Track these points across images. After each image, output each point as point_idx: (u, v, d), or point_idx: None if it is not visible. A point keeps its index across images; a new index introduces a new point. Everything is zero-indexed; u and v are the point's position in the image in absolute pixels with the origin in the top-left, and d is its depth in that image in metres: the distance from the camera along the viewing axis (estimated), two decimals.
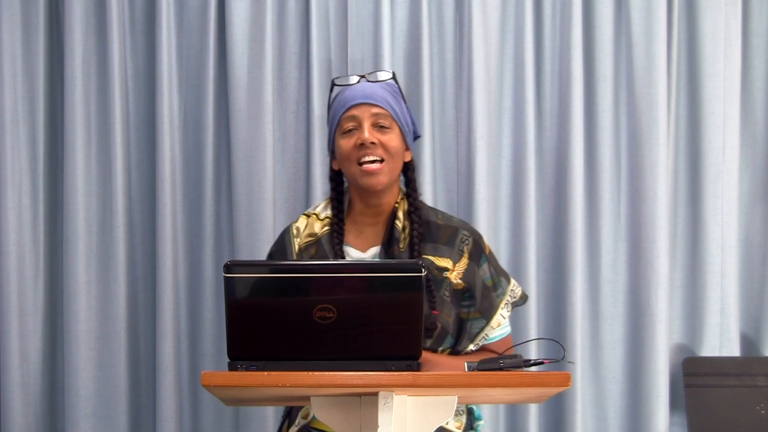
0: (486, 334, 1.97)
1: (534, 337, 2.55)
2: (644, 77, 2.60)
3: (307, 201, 2.57)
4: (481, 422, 2.03)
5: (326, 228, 1.99)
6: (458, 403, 1.61)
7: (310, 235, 2.00)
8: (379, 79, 2.00)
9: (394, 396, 1.47)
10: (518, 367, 1.49)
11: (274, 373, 1.42)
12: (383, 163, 1.92)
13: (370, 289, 1.47)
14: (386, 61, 2.55)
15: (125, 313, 2.58)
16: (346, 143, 1.94)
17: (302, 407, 1.93)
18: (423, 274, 1.45)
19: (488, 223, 2.56)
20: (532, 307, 2.56)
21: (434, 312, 1.88)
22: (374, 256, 1.97)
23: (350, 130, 1.94)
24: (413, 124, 2.03)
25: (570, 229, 2.57)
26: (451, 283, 1.93)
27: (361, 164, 1.91)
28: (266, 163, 2.56)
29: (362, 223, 2.01)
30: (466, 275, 1.95)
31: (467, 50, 2.58)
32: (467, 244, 1.97)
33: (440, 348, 1.93)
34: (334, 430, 1.56)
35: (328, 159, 2.05)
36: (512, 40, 2.64)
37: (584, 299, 2.61)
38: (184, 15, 2.63)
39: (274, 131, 2.59)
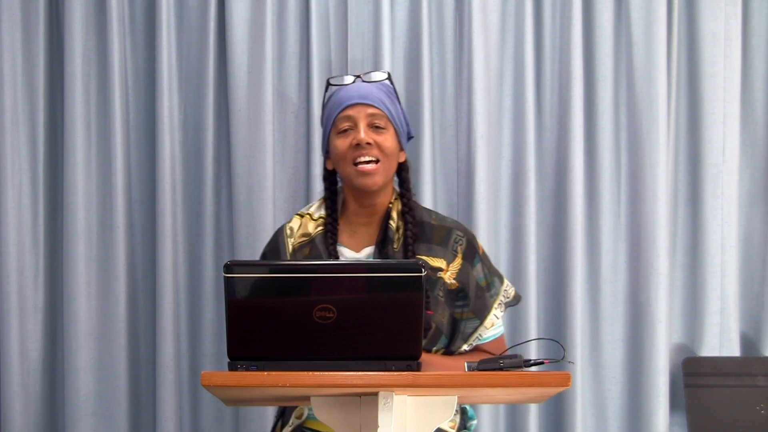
0: (479, 335, 1.98)
1: (534, 337, 2.55)
2: (644, 77, 2.60)
3: (307, 201, 2.57)
4: (474, 422, 2.03)
5: (320, 228, 1.99)
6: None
7: (303, 235, 2.00)
8: (375, 79, 2.00)
9: (394, 396, 1.47)
10: (518, 367, 1.49)
11: (274, 373, 1.42)
12: (378, 164, 1.92)
13: (370, 289, 1.47)
14: (386, 61, 2.55)
15: (125, 313, 2.58)
16: (341, 143, 1.94)
17: (296, 407, 1.93)
18: (423, 274, 1.45)
19: (488, 223, 2.57)
20: (532, 307, 2.56)
21: (428, 312, 1.88)
22: (368, 256, 1.97)
23: (346, 130, 1.94)
24: (407, 124, 2.03)
25: (570, 229, 2.57)
26: (445, 283, 1.94)
27: (356, 164, 1.92)
28: (266, 163, 2.55)
29: (356, 223, 2.01)
30: (460, 275, 1.95)
31: (467, 50, 2.58)
32: (461, 245, 1.98)
33: (434, 348, 1.93)
34: (334, 430, 1.56)
35: None
36: (512, 40, 2.64)
37: (584, 299, 2.61)
38: (184, 15, 2.63)
39: (274, 131, 2.59)
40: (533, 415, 2.55)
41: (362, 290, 1.47)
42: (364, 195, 1.96)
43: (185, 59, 2.63)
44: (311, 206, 2.06)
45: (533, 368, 1.54)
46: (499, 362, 1.50)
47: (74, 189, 2.57)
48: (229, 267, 1.45)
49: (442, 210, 2.58)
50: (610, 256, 2.64)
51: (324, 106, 2.03)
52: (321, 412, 1.53)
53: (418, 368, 1.46)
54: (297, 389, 1.47)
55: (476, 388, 1.53)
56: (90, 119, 2.61)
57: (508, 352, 1.55)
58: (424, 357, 1.57)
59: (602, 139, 2.63)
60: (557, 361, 1.69)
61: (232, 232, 2.58)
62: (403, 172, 2.02)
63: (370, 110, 1.93)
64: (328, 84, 2.03)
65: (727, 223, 2.63)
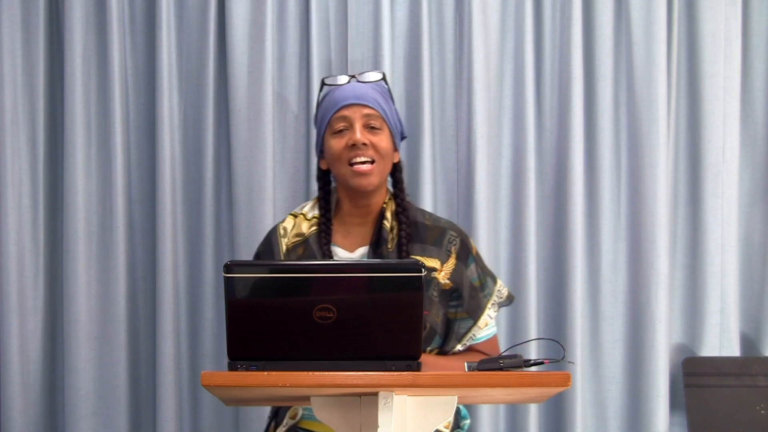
0: (473, 334, 1.98)
1: (534, 337, 2.55)
2: (644, 77, 2.60)
3: (308, 201, 2.57)
4: (468, 421, 2.03)
5: (314, 228, 1.99)
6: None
7: (297, 235, 2.00)
8: (370, 79, 2.00)
9: (394, 396, 1.47)
10: (518, 367, 1.49)
11: (274, 373, 1.42)
12: (374, 164, 1.92)
13: (370, 289, 1.47)
14: (386, 61, 2.55)
15: (125, 313, 2.58)
16: (336, 143, 1.94)
17: (290, 407, 1.93)
18: (423, 274, 1.45)
19: (488, 223, 2.56)
20: (532, 307, 2.56)
21: (423, 312, 1.88)
22: (362, 256, 1.97)
23: (341, 131, 1.94)
24: (401, 124, 2.03)
25: (570, 229, 2.57)
26: (439, 283, 1.94)
27: (351, 165, 1.92)
28: (266, 163, 2.55)
29: (350, 224, 2.01)
30: (454, 275, 1.96)
31: (467, 50, 2.58)
32: (455, 245, 1.98)
33: (428, 348, 1.94)
34: (329, 429, 1.56)
35: None
36: (512, 40, 2.64)
37: (584, 299, 2.61)
38: (184, 15, 2.63)
39: (274, 131, 2.59)
40: (533, 415, 2.55)
41: (362, 290, 1.47)
42: (359, 195, 1.96)
43: (185, 59, 2.63)
44: (304, 206, 2.06)
45: (533, 368, 1.53)
46: (499, 362, 1.50)
47: (74, 189, 2.57)
48: (229, 267, 1.45)
49: (442, 210, 2.59)
50: (610, 256, 2.64)
51: (318, 105, 2.03)
52: (321, 412, 1.53)
53: (418, 368, 1.46)
54: (297, 389, 1.47)
55: (476, 388, 1.53)
56: (90, 119, 2.61)
57: (508, 352, 1.55)
58: (424, 358, 1.57)
59: (602, 139, 2.63)
60: (557, 361, 1.69)
61: (232, 232, 2.58)
62: (396, 172, 2.03)
63: (366, 111, 1.94)
64: (323, 84, 2.03)
65: (727, 223, 2.63)
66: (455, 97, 2.62)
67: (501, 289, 2.04)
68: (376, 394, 1.47)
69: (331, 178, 2.04)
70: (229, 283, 1.45)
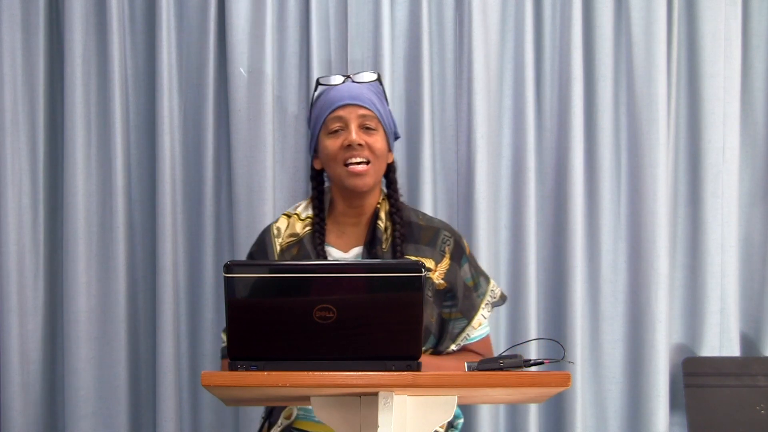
0: (467, 334, 1.99)
1: (534, 337, 2.55)
2: (644, 77, 2.60)
3: None
4: (461, 420, 2.04)
5: (308, 228, 1.99)
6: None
7: (291, 235, 2.00)
8: (365, 80, 2.00)
9: (394, 396, 1.47)
10: (518, 367, 1.49)
11: (274, 373, 1.42)
12: (369, 165, 1.93)
13: (370, 289, 1.47)
14: (386, 61, 2.55)
15: (125, 314, 2.58)
16: (332, 144, 1.94)
17: (284, 408, 1.93)
18: (423, 274, 1.45)
19: (488, 223, 2.56)
20: (532, 307, 2.56)
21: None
22: (356, 257, 1.97)
23: (336, 131, 1.94)
24: (394, 125, 2.04)
25: (570, 229, 2.57)
26: (433, 283, 1.94)
27: (347, 165, 1.92)
28: (266, 163, 2.55)
29: (344, 224, 2.01)
30: (448, 275, 1.96)
31: (467, 50, 2.58)
32: (449, 245, 1.98)
33: (423, 348, 1.94)
34: (324, 429, 1.56)
35: None
36: (512, 40, 2.64)
37: (584, 299, 2.61)
38: (184, 15, 2.63)
39: (274, 131, 2.59)
40: (533, 415, 2.55)
41: (362, 290, 1.47)
42: (354, 195, 1.97)
43: (185, 59, 2.63)
44: (298, 206, 2.06)
45: (533, 368, 1.54)
46: (499, 362, 1.50)
47: (74, 189, 2.57)
48: (229, 267, 1.45)
49: (442, 210, 2.59)
50: (610, 256, 2.64)
51: (313, 105, 2.03)
52: (321, 412, 1.53)
53: (418, 368, 1.46)
54: (297, 389, 1.47)
55: (476, 388, 1.54)
56: (90, 119, 2.61)
57: (508, 352, 1.55)
58: (423, 358, 1.57)
59: (602, 139, 2.63)
60: (557, 361, 1.69)
61: (232, 232, 2.58)
62: (390, 173, 2.03)
63: (361, 111, 1.94)
64: (318, 83, 2.03)
65: (727, 223, 2.63)
66: (455, 97, 2.62)
67: (494, 289, 2.05)
68: (376, 394, 1.47)
69: (325, 178, 2.04)
70: (229, 283, 1.45)
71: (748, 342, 2.67)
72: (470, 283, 2.00)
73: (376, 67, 2.54)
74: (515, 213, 2.61)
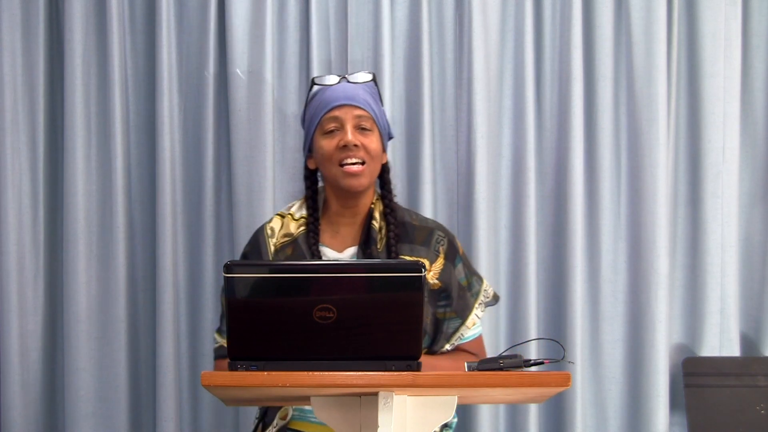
0: (461, 334, 1.99)
1: (534, 337, 2.55)
2: (644, 77, 2.60)
3: None
4: (455, 420, 2.04)
5: (302, 228, 1.99)
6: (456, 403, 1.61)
7: (286, 235, 2.00)
8: (361, 80, 2.00)
9: (394, 396, 1.47)
10: (518, 367, 1.49)
11: (274, 373, 1.42)
12: (364, 165, 1.93)
13: (370, 289, 1.47)
14: (386, 61, 2.55)
15: (125, 313, 2.58)
16: (327, 144, 1.94)
17: (280, 408, 1.93)
18: (423, 274, 1.45)
19: (488, 223, 2.56)
20: (532, 307, 2.56)
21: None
22: (351, 257, 1.97)
23: (332, 131, 1.94)
24: (388, 125, 2.04)
25: (570, 229, 2.57)
26: (428, 283, 1.94)
27: (342, 165, 1.92)
28: (266, 163, 2.55)
29: (338, 224, 2.01)
30: (443, 275, 1.96)
31: (467, 50, 2.58)
32: (443, 245, 1.99)
33: None
34: (328, 430, 1.56)
35: None
36: (512, 40, 2.64)
37: (584, 299, 2.61)
38: (184, 15, 2.63)
39: (274, 131, 2.59)
40: (533, 415, 2.55)
41: (362, 290, 1.47)
42: (348, 196, 1.97)
43: (185, 59, 2.63)
44: (292, 206, 2.06)
45: (533, 368, 1.54)
46: (499, 362, 1.50)
47: (74, 189, 2.57)
48: (229, 267, 1.45)
49: (442, 210, 2.59)
50: (610, 256, 2.64)
51: (307, 105, 2.03)
52: (321, 412, 1.53)
53: (418, 368, 1.46)
54: (297, 389, 1.47)
55: (476, 388, 1.53)
56: (90, 119, 2.61)
57: (508, 352, 1.55)
58: (423, 359, 1.57)
59: (602, 139, 2.63)
60: (557, 361, 1.69)
61: (232, 232, 2.58)
62: (384, 173, 2.03)
63: (357, 112, 1.94)
64: (313, 83, 2.03)
65: (727, 223, 2.63)
66: (455, 97, 2.62)
67: (487, 288, 2.06)
68: (376, 394, 1.47)
69: (318, 178, 2.04)
70: (229, 283, 1.45)
71: (748, 342, 2.67)
72: (464, 282, 2.00)
73: (376, 67, 2.54)
74: (515, 213, 2.61)
